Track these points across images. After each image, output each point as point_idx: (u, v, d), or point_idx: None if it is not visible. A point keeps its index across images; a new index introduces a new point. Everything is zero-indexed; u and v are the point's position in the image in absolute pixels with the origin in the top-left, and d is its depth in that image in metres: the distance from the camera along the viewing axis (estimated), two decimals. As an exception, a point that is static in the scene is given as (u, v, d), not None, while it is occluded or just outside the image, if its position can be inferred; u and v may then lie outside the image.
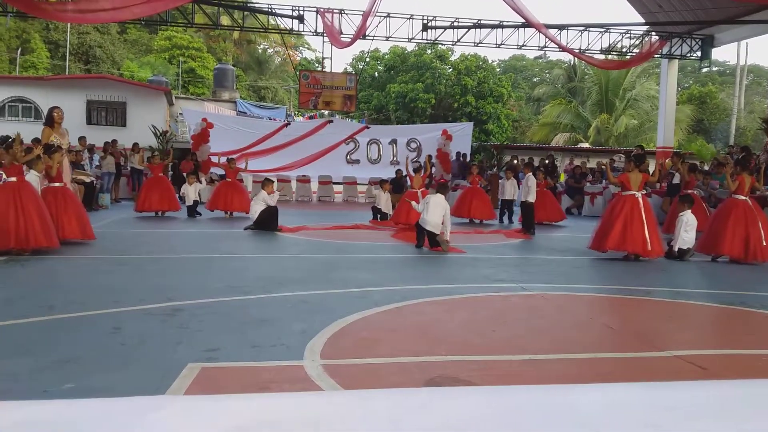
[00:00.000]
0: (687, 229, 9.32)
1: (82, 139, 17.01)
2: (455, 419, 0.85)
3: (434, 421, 0.83)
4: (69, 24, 36.81)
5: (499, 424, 0.87)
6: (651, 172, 10.76)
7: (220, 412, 0.88)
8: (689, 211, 9.50)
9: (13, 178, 7.91)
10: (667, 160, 16.54)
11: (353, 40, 19.83)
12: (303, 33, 22.18)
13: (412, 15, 20.41)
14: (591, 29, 21.28)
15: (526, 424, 0.85)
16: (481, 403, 0.94)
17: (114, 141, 18.77)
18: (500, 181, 15.32)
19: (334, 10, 19.91)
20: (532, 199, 12.29)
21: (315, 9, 19.89)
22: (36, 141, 10.36)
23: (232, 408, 0.88)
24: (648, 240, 8.85)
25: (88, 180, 14.47)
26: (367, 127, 25.09)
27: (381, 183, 14.90)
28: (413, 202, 10.18)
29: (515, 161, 20.35)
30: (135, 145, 18.92)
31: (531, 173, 12.64)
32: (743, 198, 9.36)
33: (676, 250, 9.28)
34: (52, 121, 9.24)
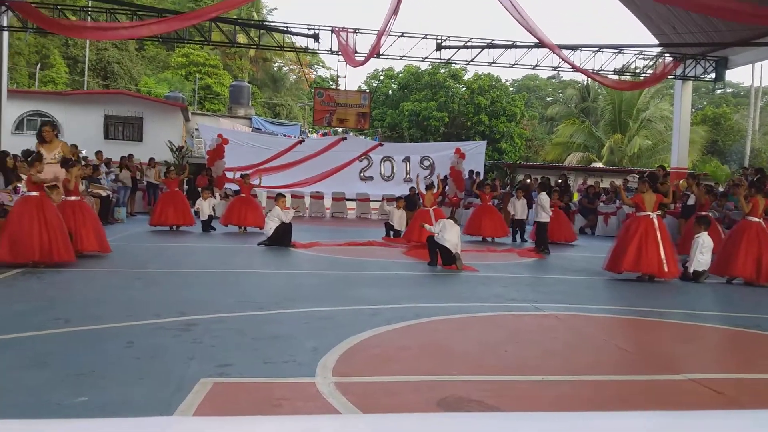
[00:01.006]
0: (703, 251, 9.25)
1: (98, 153, 17.21)
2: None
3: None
4: (88, 40, 37.36)
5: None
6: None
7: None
8: (705, 232, 9.44)
9: (35, 192, 8.01)
10: (681, 181, 16.45)
11: (367, 59, 19.96)
12: (318, 51, 22.35)
13: (426, 34, 20.52)
14: (604, 50, 21.31)
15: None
16: (499, 429, 0.93)
17: (130, 155, 18.95)
18: (512, 200, 15.32)
19: (349, 29, 20.07)
20: (545, 218, 12.27)
21: (330, 28, 20.07)
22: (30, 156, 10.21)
23: (250, 429, 0.88)
24: (664, 261, 8.80)
25: (104, 194, 14.61)
26: (381, 145, 25.21)
27: (396, 200, 14.97)
28: (427, 225, 10.15)
29: (528, 180, 20.34)
30: (151, 159, 19.11)
31: (543, 192, 12.63)
32: (757, 220, 9.30)
33: (692, 271, 9.22)
34: (42, 138, 9.24)
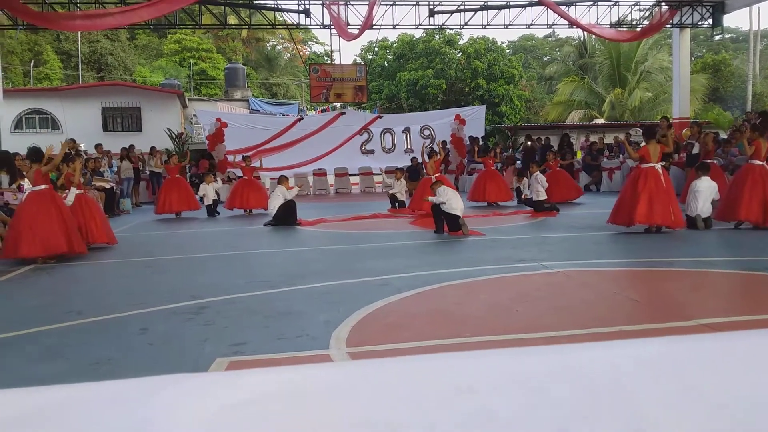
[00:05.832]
0: (696, 197, 9.22)
1: (98, 145, 17.20)
2: (472, 381, 0.86)
3: (451, 383, 0.83)
4: (79, 33, 37.12)
5: (519, 383, 0.87)
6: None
7: (232, 386, 0.88)
8: (704, 177, 9.42)
9: (43, 186, 8.01)
10: (685, 131, 16.32)
11: (361, 32, 19.76)
12: (310, 27, 22.15)
13: (417, 1, 20.30)
14: (599, 3, 21.03)
15: (544, 382, 0.85)
16: (499, 364, 0.94)
17: (131, 146, 18.94)
18: (510, 174, 15.26)
19: (340, 2, 19.86)
20: (542, 197, 12.04)
21: (321, 2, 19.87)
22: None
23: (244, 382, 0.89)
24: (672, 211, 8.80)
25: (108, 186, 14.65)
26: (380, 117, 25.10)
27: (395, 171, 14.95)
28: (430, 198, 9.96)
29: (529, 142, 20.24)
30: (152, 148, 19.09)
31: (538, 172, 12.37)
32: (760, 163, 9.23)
33: (685, 217, 9.20)
34: None
